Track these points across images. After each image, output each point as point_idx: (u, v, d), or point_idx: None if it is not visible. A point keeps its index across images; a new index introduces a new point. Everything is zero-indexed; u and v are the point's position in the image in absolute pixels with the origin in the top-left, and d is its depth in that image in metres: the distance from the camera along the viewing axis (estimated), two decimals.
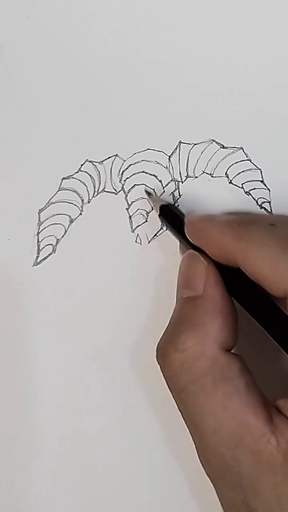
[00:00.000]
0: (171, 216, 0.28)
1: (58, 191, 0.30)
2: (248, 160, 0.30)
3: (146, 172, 0.30)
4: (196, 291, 0.24)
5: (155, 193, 0.29)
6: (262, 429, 0.20)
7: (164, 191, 0.30)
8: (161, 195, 0.30)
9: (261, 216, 0.28)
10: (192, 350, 0.22)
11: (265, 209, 0.29)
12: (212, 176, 0.30)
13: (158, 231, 0.29)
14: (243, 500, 0.21)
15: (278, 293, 0.22)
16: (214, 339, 0.22)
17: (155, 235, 0.29)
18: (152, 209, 0.29)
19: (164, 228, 0.29)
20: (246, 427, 0.21)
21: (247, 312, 0.24)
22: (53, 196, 0.30)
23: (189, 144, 0.30)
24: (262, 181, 0.30)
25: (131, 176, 0.30)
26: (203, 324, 0.23)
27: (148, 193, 0.29)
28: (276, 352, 0.27)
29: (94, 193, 0.30)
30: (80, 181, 0.30)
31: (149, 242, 0.29)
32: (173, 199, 0.30)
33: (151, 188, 0.29)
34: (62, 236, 0.29)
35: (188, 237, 0.26)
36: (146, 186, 0.29)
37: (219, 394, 0.21)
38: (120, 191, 0.30)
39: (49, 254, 0.29)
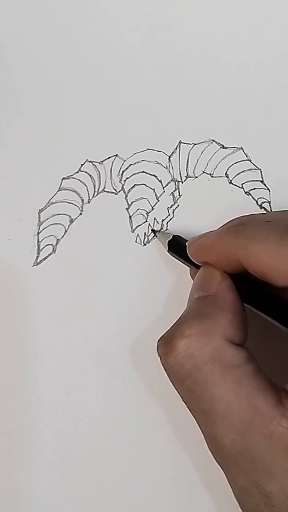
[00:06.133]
0: (180, 248, 0.27)
1: (58, 191, 0.30)
2: (248, 160, 0.30)
3: (146, 172, 0.30)
4: (209, 292, 0.24)
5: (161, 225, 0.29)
6: (272, 411, 0.21)
7: (164, 191, 0.30)
8: (160, 195, 0.30)
9: (257, 215, 0.28)
10: (197, 337, 0.22)
11: (265, 209, 0.29)
12: (212, 176, 0.30)
13: (158, 231, 0.29)
14: (257, 485, 0.21)
15: (282, 282, 0.22)
16: (220, 331, 0.22)
17: (155, 235, 0.29)
18: (153, 209, 0.29)
19: (164, 228, 0.29)
20: (256, 410, 0.21)
21: (258, 311, 0.24)
22: (53, 196, 0.30)
23: (189, 144, 0.30)
24: (262, 181, 0.30)
25: (131, 176, 0.30)
26: (211, 317, 0.23)
27: (154, 231, 0.29)
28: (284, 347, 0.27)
29: (94, 193, 0.30)
30: (80, 181, 0.30)
31: (149, 242, 0.29)
32: (173, 199, 0.30)
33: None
34: (62, 236, 0.29)
35: (191, 258, 0.26)
36: (153, 229, 0.29)
37: (228, 380, 0.21)
38: (120, 191, 0.30)
39: (49, 254, 0.29)
